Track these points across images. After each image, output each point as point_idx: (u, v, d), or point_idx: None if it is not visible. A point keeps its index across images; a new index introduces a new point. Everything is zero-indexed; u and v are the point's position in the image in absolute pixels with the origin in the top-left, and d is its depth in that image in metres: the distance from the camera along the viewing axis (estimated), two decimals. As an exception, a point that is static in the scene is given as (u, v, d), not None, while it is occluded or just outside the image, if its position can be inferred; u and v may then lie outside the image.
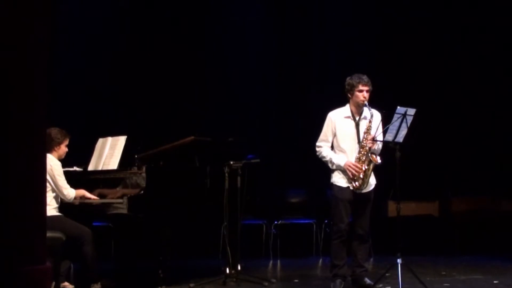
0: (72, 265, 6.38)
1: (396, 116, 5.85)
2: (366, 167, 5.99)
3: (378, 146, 6.12)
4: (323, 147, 6.20)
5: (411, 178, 7.67)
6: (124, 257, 7.00)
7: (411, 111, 5.89)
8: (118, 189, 6.29)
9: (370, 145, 5.98)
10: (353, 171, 5.99)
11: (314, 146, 6.30)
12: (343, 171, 6.07)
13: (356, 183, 6.03)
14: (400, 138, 5.92)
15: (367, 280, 6.17)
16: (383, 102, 6.17)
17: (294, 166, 9.22)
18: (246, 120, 9.20)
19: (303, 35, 9.58)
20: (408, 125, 5.89)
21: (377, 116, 6.10)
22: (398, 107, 5.86)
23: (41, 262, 3.56)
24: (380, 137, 5.98)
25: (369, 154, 5.97)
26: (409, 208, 8.58)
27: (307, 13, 9.58)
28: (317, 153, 6.24)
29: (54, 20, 8.13)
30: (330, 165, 6.16)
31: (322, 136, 6.22)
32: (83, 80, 8.79)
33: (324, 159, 6.19)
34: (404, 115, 5.86)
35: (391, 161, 5.98)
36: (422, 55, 9.37)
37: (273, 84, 9.52)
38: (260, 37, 9.58)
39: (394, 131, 5.88)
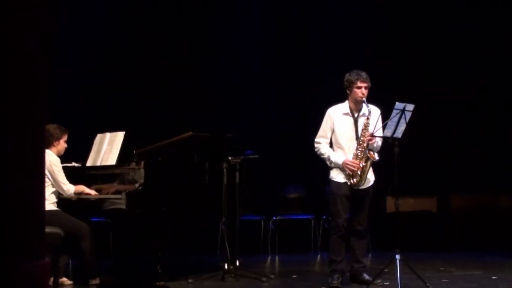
0: (70, 260, 6.41)
1: (394, 112, 5.82)
2: (364, 164, 5.98)
3: (378, 143, 6.10)
4: (321, 144, 6.18)
5: (409, 174, 7.66)
6: (122, 252, 7.00)
7: (410, 107, 5.86)
8: (116, 184, 6.29)
9: (367, 141, 5.97)
10: (352, 168, 5.98)
11: (312, 141, 6.28)
12: (341, 168, 6.06)
13: (354, 179, 6.02)
14: (399, 133, 5.89)
15: (366, 276, 6.17)
16: (382, 98, 6.15)
17: (292, 161, 9.19)
18: (245, 115, 9.17)
19: (302, 30, 9.56)
20: (407, 120, 5.86)
21: (375, 112, 6.08)
22: (397, 102, 5.83)
23: (40, 258, 3.57)
24: (378, 133, 5.95)
25: (367, 151, 5.97)
26: (408, 204, 8.54)
27: (307, 7, 9.57)
28: (316, 149, 6.22)
29: (53, 15, 8.05)
30: (328, 162, 6.16)
31: (320, 132, 6.21)
32: (81, 75, 8.74)
33: (322, 156, 6.18)
34: (403, 110, 5.83)
35: (390, 157, 5.94)
36: (421, 50, 9.33)
37: (272, 80, 9.48)
38: (260, 33, 9.54)
39: (393, 127, 5.86)
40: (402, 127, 5.89)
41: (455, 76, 9.33)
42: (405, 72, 9.26)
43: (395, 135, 5.89)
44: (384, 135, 5.95)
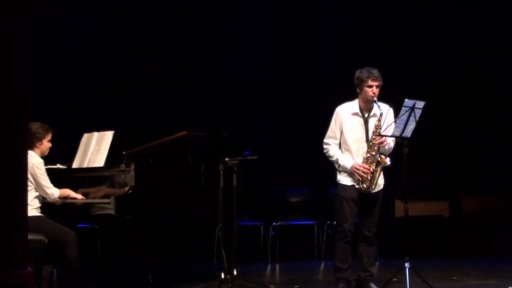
0: (55, 269, 6.22)
1: (403, 109, 5.70)
2: (374, 169, 5.82)
3: (390, 145, 5.93)
4: (331, 145, 6.03)
5: (419, 176, 7.52)
6: (111, 261, 6.94)
7: (420, 104, 5.76)
8: (104, 188, 6.18)
9: (378, 144, 5.79)
10: (361, 173, 5.81)
11: (315, 142, 6.21)
12: (350, 172, 5.90)
13: (364, 185, 5.87)
14: (408, 132, 5.78)
15: (373, 285, 6.08)
16: (381, 98, 5.96)
17: (294, 163, 9.10)
18: (245, 114, 9.12)
19: (302, 30, 9.59)
20: (417, 119, 5.73)
21: (385, 110, 5.87)
22: (406, 99, 5.70)
23: (22, 267, 3.57)
24: (386, 132, 5.78)
25: (378, 155, 5.81)
26: (418, 208, 8.40)
27: (307, 7, 9.61)
28: (324, 151, 6.08)
29: (42, 14, 8.12)
30: (336, 165, 6.02)
31: (329, 132, 6.05)
32: (67, 71, 8.72)
33: (330, 159, 6.05)
34: (413, 108, 5.72)
35: (399, 157, 5.83)
36: (433, 44, 9.29)
37: (274, 79, 9.52)
38: (260, 33, 9.60)
39: (402, 126, 5.73)
40: (411, 126, 5.80)
41: (467, 74, 9.28)
42: (405, 72, 9.18)
43: (404, 134, 5.81)
44: (392, 134, 5.81)
